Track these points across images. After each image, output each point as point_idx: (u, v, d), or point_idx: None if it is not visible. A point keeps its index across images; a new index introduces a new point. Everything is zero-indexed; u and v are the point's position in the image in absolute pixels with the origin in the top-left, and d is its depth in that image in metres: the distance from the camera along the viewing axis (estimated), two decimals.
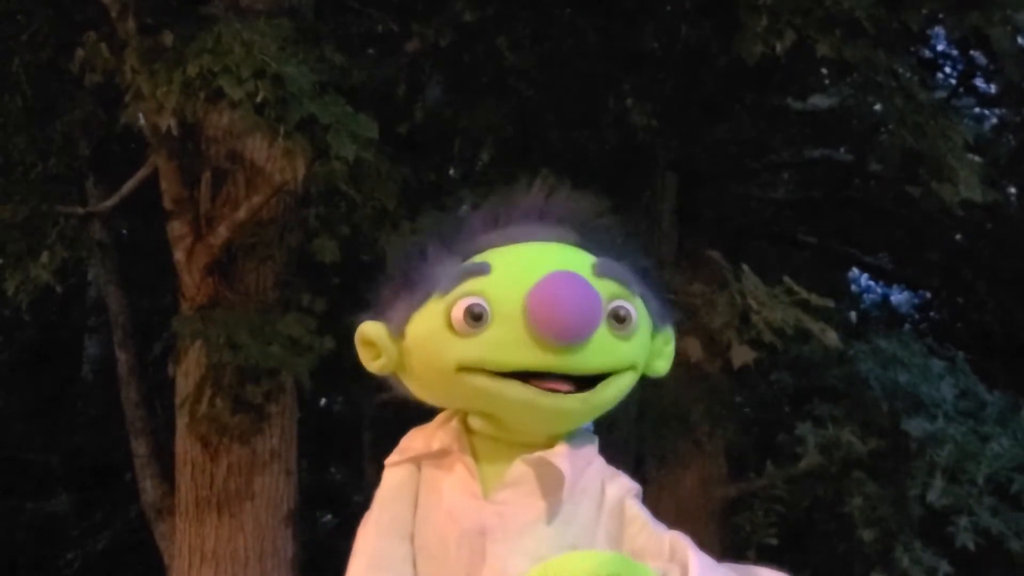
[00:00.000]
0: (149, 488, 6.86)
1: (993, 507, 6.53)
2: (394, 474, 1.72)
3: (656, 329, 1.71)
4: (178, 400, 6.17)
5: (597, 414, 1.69)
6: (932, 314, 11.73)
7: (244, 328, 5.62)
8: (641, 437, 8.21)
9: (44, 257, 6.12)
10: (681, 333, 5.89)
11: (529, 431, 1.66)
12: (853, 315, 11.32)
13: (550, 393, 1.58)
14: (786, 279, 6.04)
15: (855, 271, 11.75)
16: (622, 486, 1.65)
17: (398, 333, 1.68)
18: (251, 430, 6.02)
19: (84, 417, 10.12)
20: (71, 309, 10.00)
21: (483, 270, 1.61)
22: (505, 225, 1.70)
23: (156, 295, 7.89)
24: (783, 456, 7.30)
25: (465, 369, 1.60)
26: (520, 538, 1.58)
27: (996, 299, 9.57)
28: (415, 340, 1.66)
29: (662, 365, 1.74)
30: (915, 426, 6.73)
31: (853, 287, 12.30)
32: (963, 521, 6.44)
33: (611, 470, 1.70)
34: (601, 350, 1.58)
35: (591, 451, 1.70)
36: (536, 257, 1.63)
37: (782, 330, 5.92)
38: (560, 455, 1.63)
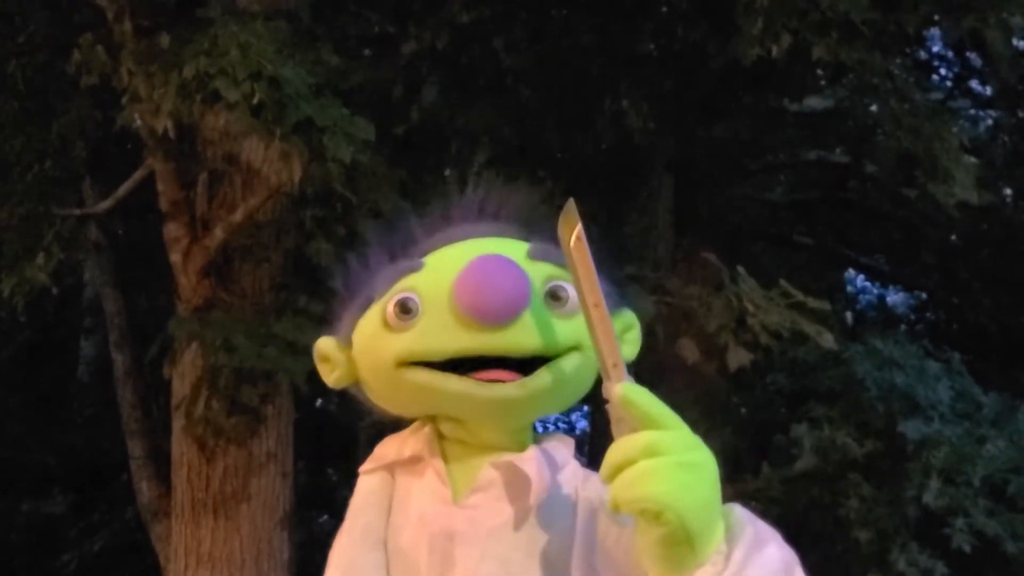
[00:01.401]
0: (145, 489, 6.86)
1: (989, 509, 6.53)
2: (367, 481, 1.69)
3: (610, 313, 1.63)
4: (174, 402, 6.18)
5: (549, 404, 1.65)
6: (928, 315, 11.74)
7: (240, 330, 5.63)
8: None
9: (40, 258, 6.12)
10: (677, 335, 5.90)
11: (485, 428, 1.63)
12: (849, 316, 11.35)
13: (488, 383, 1.55)
14: (782, 282, 6.05)
15: (851, 272, 11.77)
16: (597, 490, 1.58)
17: (346, 342, 1.67)
18: (247, 432, 6.02)
19: (80, 418, 10.12)
20: (67, 310, 10.00)
21: (415, 267, 1.61)
22: (446, 227, 1.68)
23: (152, 296, 7.90)
24: (779, 458, 7.30)
25: (403, 364, 1.58)
26: (489, 543, 1.55)
27: (992, 300, 9.58)
28: (359, 345, 1.65)
29: (627, 351, 1.67)
30: (911, 428, 6.73)
31: (849, 288, 12.32)
32: (959, 523, 6.43)
33: (586, 473, 1.66)
34: (538, 328, 1.55)
35: (565, 454, 1.67)
36: (468, 249, 1.61)
37: (778, 332, 5.93)
38: (529, 459, 1.60)
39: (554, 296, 1.58)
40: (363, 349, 1.65)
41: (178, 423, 6.14)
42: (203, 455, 6.08)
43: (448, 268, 1.56)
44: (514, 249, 1.61)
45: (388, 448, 1.70)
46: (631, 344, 1.70)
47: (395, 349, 1.58)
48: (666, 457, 1.33)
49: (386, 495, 1.67)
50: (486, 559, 1.55)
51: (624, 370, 1.43)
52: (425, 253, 1.65)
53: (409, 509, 1.64)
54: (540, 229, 1.66)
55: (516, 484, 1.59)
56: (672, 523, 1.32)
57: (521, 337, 1.54)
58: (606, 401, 1.43)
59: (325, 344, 1.70)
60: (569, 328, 1.58)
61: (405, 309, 1.56)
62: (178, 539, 6.19)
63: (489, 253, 1.55)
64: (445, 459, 1.66)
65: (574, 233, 1.47)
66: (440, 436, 1.68)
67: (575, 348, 1.60)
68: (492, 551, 1.55)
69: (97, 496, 9.61)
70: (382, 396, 1.70)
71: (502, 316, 1.51)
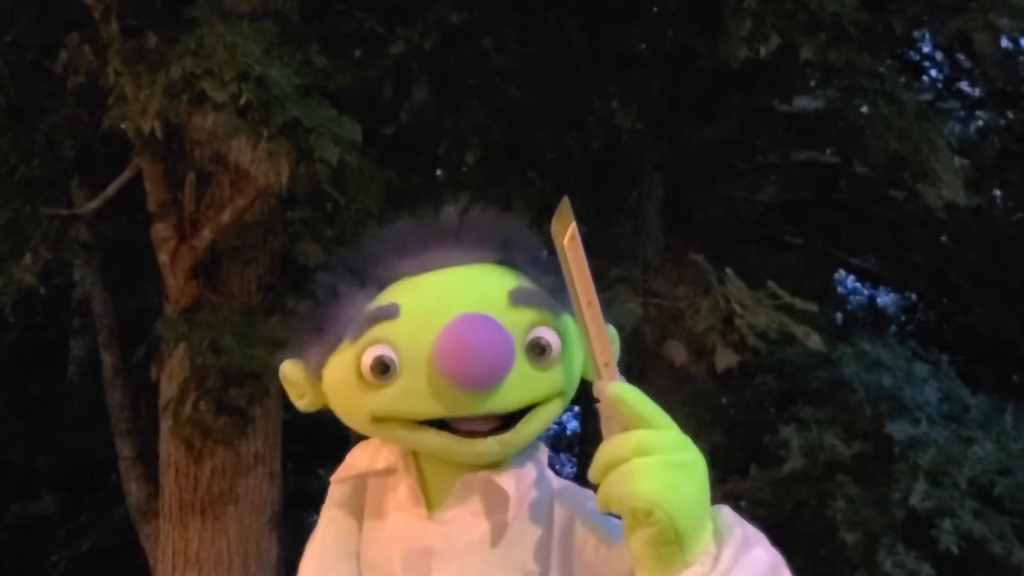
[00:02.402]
0: (134, 490, 6.85)
1: (976, 510, 6.54)
2: (339, 491, 1.67)
3: None
4: (161, 403, 6.17)
5: (526, 444, 1.61)
6: (918, 316, 11.76)
7: (228, 331, 5.62)
8: None
9: (28, 259, 6.11)
10: (666, 336, 5.89)
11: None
12: (839, 317, 11.36)
13: (467, 439, 1.52)
14: (770, 283, 6.05)
15: (841, 273, 11.78)
16: (572, 500, 1.58)
17: (315, 375, 1.62)
18: (235, 433, 6.02)
19: (69, 418, 10.10)
20: (56, 311, 9.98)
21: (391, 314, 1.53)
22: (418, 251, 1.61)
23: (141, 297, 7.89)
24: (767, 459, 7.30)
25: (379, 420, 1.55)
26: (466, 559, 1.53)
27: (981, 302, 9.59)
28: (330, 387, 1.60)
29: None
30: (898, 429, 6.74)
31: (839, 289, 12.34)
32: (946, 524, 6.44)
33: (560, 483, 1.64)
34: (520, 387, 1.51)
35: (539, 465, 1.64)
36: (446, 293, 1.55)
37: (765, 334, 5.93)
38: (505, 474, 1.56)
39: (537, 349, 1.53)
40: (336, 394, 1.60)
41: (166, 424, 6.13)
42: (191, 456, 6.07)
43: (427, 323, 1.50)
44: (495, 292, 1.56)
45: (359, 457, 1.67)
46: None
47: (371, 406, 1.55)
48: (656, 456, 1.33)
49: (358, 506, 1.65)
50: (463, 574, 1.54)
51: (615, 369, 1.42)
52: (396, 278, 1.59)
53: (382, 522, 1.63)
54: (518, 255, 1.62)
55: (493, 499, 1.57)
56: (661, 522, 1.31)
57: (503, 399, 1.50)
58: (597, 400, 1.41)
59: (291, 370, 1.64)
60: (551, 378, 1.55)
61: (383, 369, 1.51)
62: (166, 540, 6.18)
63: (469, 313, 1.49)
64: (419, 472, 1.63)
65: (568, 232, 1.45)
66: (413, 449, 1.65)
67: (559, 395, 1.58)
68: (469, 567, 1.54)
69: (86, 497, 9.61)
70: (355, 429, 1.66)
71: (485, 385, 1.47)
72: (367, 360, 1.52)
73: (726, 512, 1.44)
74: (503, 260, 1.62)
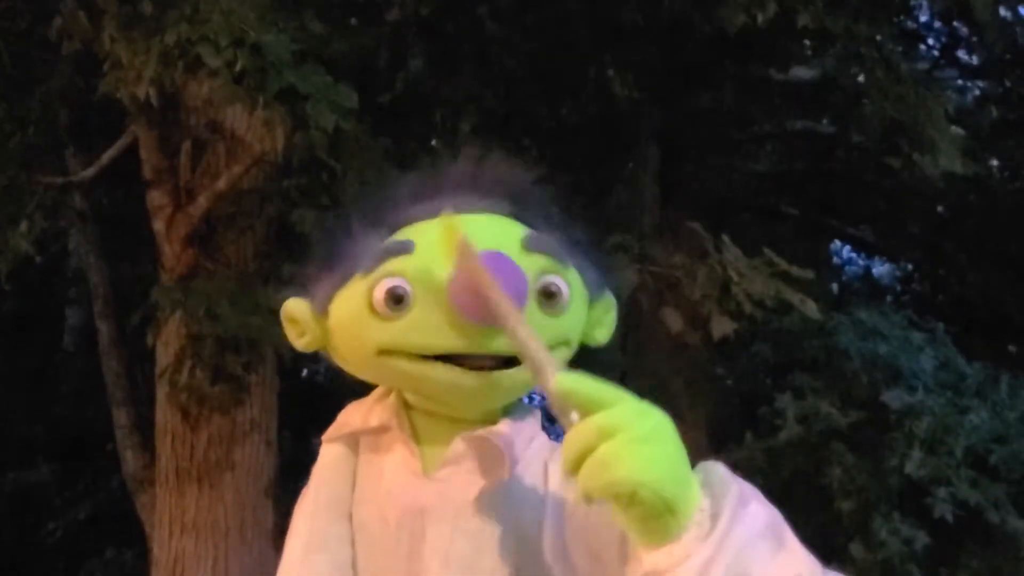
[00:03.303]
0: (130, 458, 6.86)
1: (971, 479, 6.56)
2: (331, 450, 1.66)
3: (593, 299, 1.64)
4: (158, 371, 6.17)
5: (528, 390, 1.62)
6: (914, 286, 11.76)
7: (224, 298, 5.62)
8: None
9: (23, 227, 6.10)
10: (662, 304, 5.87)
11: (461, 407, 1.60)
12: (835, 287, 11.36)
13: (475, 372, 1.52)
14: (767, 251, 6.04)
15: (837, 243, 11.77)
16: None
17: (322, 311, 1.62)
18: (231, 401, 6.02)
19: (65, 387, 10.09)
20: (51, 280, 9.97)
21: (406, 249, 1.55)
22: (434, 196, 1.61)
23: (137, 265, 7.87)
24: (763, 427, 7.32)
25: (386, 352, 1.55)
26: (462, 517, 1.52)
27: (977, 271, 9.59)
28: (338, 320, 1.60)
29: (602, 334, 1.67)
30: (894, 398, 6.76)
31: (835, 259, 12.33)
32: (941, 492, 6.46)
33: (553, 445, 1.63)
34: None
35: (534, 426, 1.64)
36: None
37: (762, 302, 5.92)
38: (501, 433, 1.57)
39: (547, 294, 1.54)
40: (343, 327, 1.60)
41: (162, 391, 6.13)
42: (187, 423, 6.08)
43: (442, 259, 1.50)
44: (509, 236, 1.57)
45: (352, 416, 1.67)
46: (606, 327, 1.68)
47: (380, 338, 1.55)
48: (623, 434, 1.28)
49: (350, 465, 1.64)
50: (457, 534, 1.53)
51: (554, 362, 1.37)
52: (411, 221, 1.60)
53: (375, 481, 1.62)
54: (531, 208, 1.63)
55: (488, 458, 1.56)
56: (649, 498, 1.27)
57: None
58: (543, 398, 1.38)
59: (296, 307, 1.65)
60: (558, 325, 1.56)
61: (396, 299, 1.51)
62: (162, 508, 6.19)
63: (487, 250, 1.49)
64: (413, 430, 1.63)
65: (462, 248, 1.45)
66: (406, 405, 1.65)
67: (563, 343, 1.58)
68: (463, 526, 1.53)
69: (82, 465, 9.61)
70: (355, 370, 1.66)
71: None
72: (380, 292, 1.53)
73: (719, 469, 1.41)
74: (514, 212, 1.62)
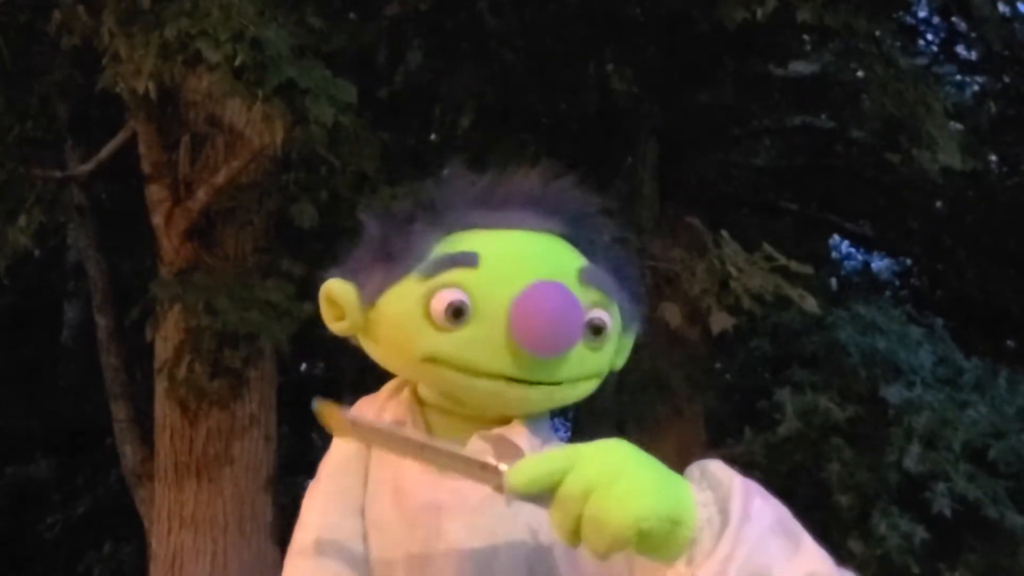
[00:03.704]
0: (129, 453, 6.85)
1: (970, 473, 6.57)
2: (343, 445, 1.63)
3: (625, 330, 1.63)
4: (156, 365, 6.16)
5: (555, 407, 1.63)
6: (913, 281, 11.76)
7: (223, 293, 5.61)
8: (621, 403, 8.22)
9: (22, 221, 6.10)
10: (661, 299, 5.87)
11: (487, 411, 1.60)
12: (834, 282, 11.36)
13: (517, 384, 1.52)
14: (766, 246, 6.04)
15: (836, 238, 11.77)
16: None
17: (369, 302, 1.59)
18: (230, 395, 6.02)
19: (64, 382, 10.10)
20: (50, 274, 9.97)
21: (471, 261, 1.53)
22: (497, 206, 1.61)
23: (136, 259, 7.87)
24: (762, 422, 7.32)
25: (431, 361, 1.54)
26: (476, 515, 1.51)
27: (976, 267, 9.59)
28: (387, 317, 1.58)
29: (621, 361, 1.68)
30: (893, 393, 6.76)
31: (834, 254, 12.33)
32: (940, 487, 6.47)
33: (561, 443, 1.63)
34: (574, 363, 1.53)
35: (546, 428, 1.65)
36: (525, 255, 1.56)
37: (761, 296, 5.92)
38: (519, 433, 1.57)
39: (595, 329, 1.55)
40: (391, 324, 1.58)
41: (161, 386, 6.13)
42: (186, 418, 6.07)
43: (506, 279, 1.50)
44: (568, 265, 1.56)
45: (365, 411, 1.65)
46: (623, 356, 1.68)
47: (432, 347, 1.54)
48: (600, 488, 1.28)
49: (363, 460, 1.63)
50: (473, 532, 1.52)
51: (496, 466, 1.33)
52: (471, 226, 1.58)
53: (390, 478, 1.60)
54: (587, 235, 1.63)
55: (506, 457, 1.49)
56: (655, 526, 1.27)
57: (557, 371, 1.52)
58: (503, 492, 1.33)
59: (340, 289, 1.62)
60: (598, 359, 1.58)
61: (457, 313, 1.50)
62: (161, 502, 6.19)
63: (549, 280, 1.50)
64: (427, 427, 1.63)
65: (349, 429, 1.45)
66: (419, 402, 1.65)
67: (597, 376, 1.60)
68: (479, 524, 1.53)
69: (81, 460, 9.61)
70: (390, 365, 1.66)
71: (554, 353, 1.49)
72: (440, 302, 1.52)
73: (718, 465, 1.41)
74: (569, 235, 1.62)
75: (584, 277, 1.56)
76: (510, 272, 1.52)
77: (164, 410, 6.17)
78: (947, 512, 6.47)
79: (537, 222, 1.60)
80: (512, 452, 1.55)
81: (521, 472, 1.30)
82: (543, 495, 1.31)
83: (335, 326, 1.64)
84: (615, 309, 1.59)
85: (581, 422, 9.58)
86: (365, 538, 1.58)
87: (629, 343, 1.69)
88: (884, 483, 6.67)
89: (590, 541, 1.29)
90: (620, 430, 8.28)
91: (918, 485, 6.59)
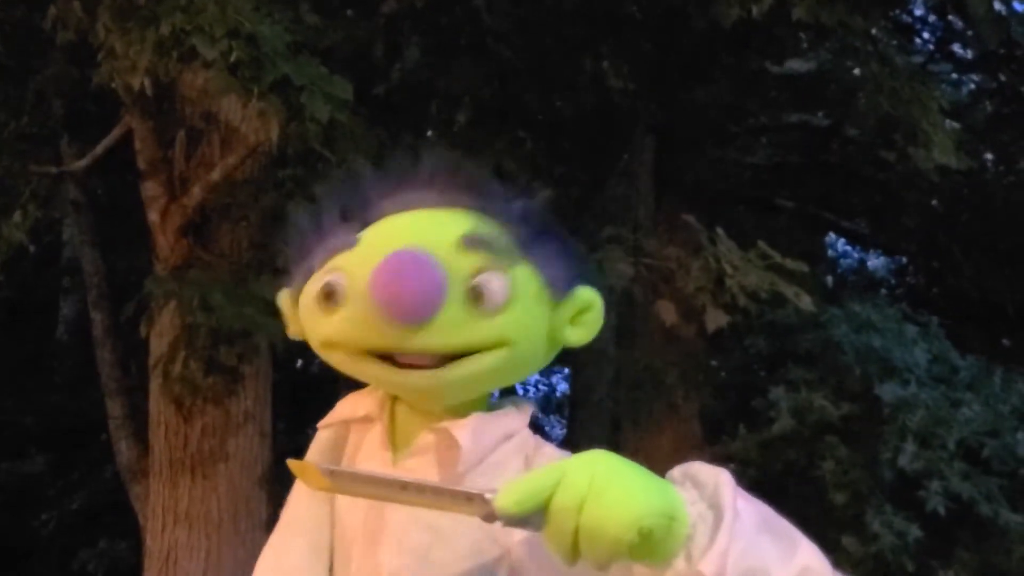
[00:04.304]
0: (124, 449, 6.85)
1: (964, 472, 6.57)
2: (323, 437, 1.71)
3: (558, 297, 1.61)
4: (151, 361, 6.17)
5: (475, 390, 1.63)
6: (908, 279, 11.77)
7: (218, 289, 5.61)
8: (617, 400, 8.25)
9: (17, 217, 6.10)
10: (656, 297, 5.89)
11: (418, 403, 1.64)
12: (829, 280, 11.38)
13: (405, 370, 1.55)
14: (761, 243, 6.04)
15: (832, 236, 11.79)
16: (550, 459, 1.56)
17: (295, 303, 1.67)
18: (225, 392, 6.02)
19: (59, 378, 10.10)
20: (45, 270, 9.96)
21: (350, 244, 1.59)
22: (404, 190, 1.64)
23: (131, 255, 7.86)
24: (757, 420, 7.33)
25: (327, 346, 1.60)
26: (419, 508, 1.49)
27: (972, 265, 9.60)
28: (302, 315, 1.65)
29: (577, 335, 1.64)
30: (888, 391, 6.77)
31: (830, 252, 12.34)
32: (934, 485, 6.47)
33: (537, 442, 1.64)
34: (454, 329, 1.53)
35: (516, 422, 1.64)
36: (401, 230, 1.59)
37: (756, 294, 5.92)
38: (464, 426, 1.58)
39: (475, 294, 1.54)
40: (303, 321, 1.65)
41: (155, 382, 6.13)
42: (180, 414, 6.08)
43: (372, 255, 1.53)
44: (447, 233, 1.57)
45: (345, 405, 1.71)
46: (584, 327, 1.65)
47: (321, 332, 1.60)
48: (589, 499, 1.29)
49: (339, 452, 1.69)
50: (413, 524, 1.56)
51: (482, 494, 1.34)
52: (376, 218, 1.63)
53: (354, 467, 1.66)
54: (497, 204, 1.64)
55: (447, 449, 1.58)
56: (655, 523, 1.29)
57: (432, 339, 1.52)
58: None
59: (282, 299, 1.70)
60: (491, 326, 1.56)
61: (329, 295, 1.56)
62: (156, 498, 6.19)
63: (405, 248, 1.51)
64: (393, 421, 1.67)
65: (327, 482, 1.47)
66: (392, 397, 1.68)
67: (501, 344, 1.58)
68: (421, 516, 1.54)
69: (76, 456, 9.61)
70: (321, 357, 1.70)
71: (410, 319, 1.50)
72: (317, 286, 1.58)
73: (701, 465, 1.44)
74: (477, 207, 1.63)
75: (465, 243, 1.56)
76: (377, 248, 1.55)
77: (159, 406, 6.17)
78: (941, 510, 6.48)
79: (445, 200, 1.63)
80: (453, 446, 1.57)
81: (509, 494, 1.31)
82: (534, 516, 1.31)
83: (289, 332, 1.72)
84: (520, 272, 1.58)
85: (577, 420, 9.61)
86: (332, 526, 1.64)
87: (585, 315, 1.65)
88: (878, 481, 6.68)
89: (590, 551, 1.30)
90: (615, 427, 8.31)
91: (912, 483, 6.60)
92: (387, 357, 1.56)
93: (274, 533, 1.71)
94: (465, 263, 1.55)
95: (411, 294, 1.49)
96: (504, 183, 1.69)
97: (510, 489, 1.32)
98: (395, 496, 1.43)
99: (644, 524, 1.28)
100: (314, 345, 1.64)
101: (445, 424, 1.60)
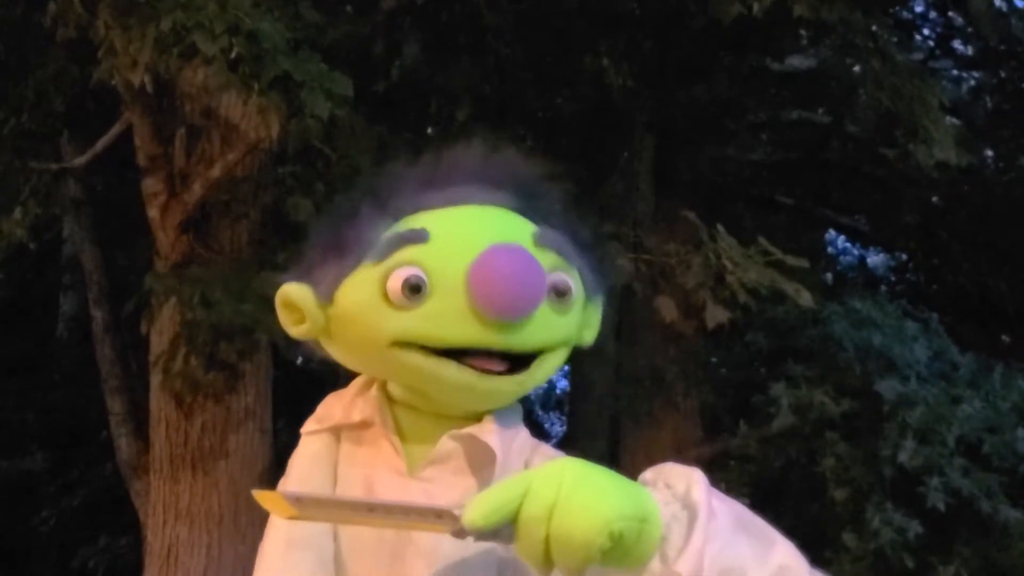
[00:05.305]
0: (124, 446, 6.85)
1: (964, 468, 6.56)
2: (311, 443, 1.64)
3: (589, 300, 1.62)
4: (151, 358, 6.17)
5: (524, 393, 1.62)
6: (908, 276, 11.77)
7: (218, 286, 5.60)
8: (617, 397, 8.24)
9: (17, 213, 6.09)
10: (656, 293, 5.88)
11: (456, 407, 1.58)
12: (829, 276, 11.37)
13: (486, 375, 1.51)
14: (761, 240, 6.04)
15: (832, 233, 11.78)
16: (546, 459, 1.52)
17: (326, 299, 1.58)
18: (225, 388, 6.01)
19: (59, 375, 10.08)
20: (45, 267, 9.95)
21: (421, 237, 1.52)
22: (442, 185, 1.59)
23: (131, 252, 7.86)
24: (757, 417, 7.32)
25: (399, 344, 1.52)
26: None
27: (971, 262, 9.60)
28: (346, 309, 1.57)
29: (590, 335, 1.66)
30: (888, 387, 6.76)
31: (830, 249, 12.34)
32: (934, 482, 6.46)
33: (534, 443, 1.62)
34: (541, 326, 1.51)
35: (517, 424, 1.62)
36: (476, 225, 1.55)
37: (756, 291, 5.92)
38: (490, 431, 1.55)
39: (558, 292, 1.54)
40: (352, 315, 1.57)
41: (156, 379, 6.13)
42: (181, 411, 6.07)
43: (460, 249, 1.49)
44: (520, 231, 1.55)
45: (332, 409, 1.65)
46: (593, 329, 1.66)
47: (394, 328, 1.52)
48: (561, 502, 1.28)
49: (331, 460, 1.62)
50: (445, 535, 1.50)
51: (451, 510, 1.33)
52: (418, 210, 1.57)
53: (359, 478, 1.60)
54: (537, 204, 1.62)
55: (478, 456, 1.55)
56: (626, 525, 1.28)
57: (528, 336, 1.50)
58: (465, 534, 1.33)
59: (296, 293, 1.60)
60: (565, 323, 1.56)
61: (414, 289, 1.49)
62: (156, 495, 6.18)
63: (504, 242, 1.49)
64: (397, 426, 1.61)
65: (294, 510, 1.44)
66: (389, 399, 1.63)
67: (565, 343, 1.58)
68: None
69: (76, 453, 9.60)
70: (359, 362, 1.64)
71: (520, 315, 1.47)
72: (396, 280, 1.50)
73: (672, 467, 1.43)
74: (520, 207, 1.60)
75: (540, 240, 1.55)
76: (462, 241, 1.51)
77: (159, 403, 6.17)
78: (941, 506, 6.47)
79: (483, 196, 1.60)
80: (485, 453, 1.55)
81: (477, 508, 1.30)
82: (504, 529, 1.30)
83: (296, 331, 1.63)
84: (575, 274, 1.58)
85: (577, 417, 9.59)
86: (336, 538, 1.57)
87: (596, 316, 1.67)
88: (878, 477, 6.67)
89: (562, 559, 1.28)
90: (615, 424, 8.30)
91: (912, 479, 6.59)
92: (464, 355, 1.51)
93: (270, 544, 1.61)
94: (543, 260, 1.53)
95: (520, 288, 1.47)
96: (539, 177, 1.66)
97: (478, 503, 1.30)
98: (364, 519, 1.41)
99: (614, 528, 1.26)
100: (374, 345, 1.55)
101: (470, 431, 1.56)
